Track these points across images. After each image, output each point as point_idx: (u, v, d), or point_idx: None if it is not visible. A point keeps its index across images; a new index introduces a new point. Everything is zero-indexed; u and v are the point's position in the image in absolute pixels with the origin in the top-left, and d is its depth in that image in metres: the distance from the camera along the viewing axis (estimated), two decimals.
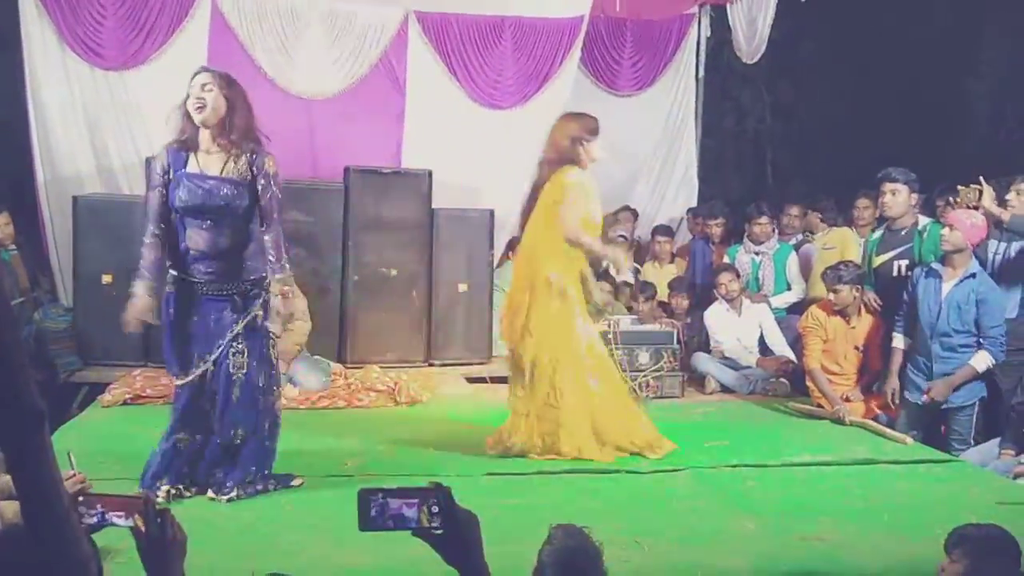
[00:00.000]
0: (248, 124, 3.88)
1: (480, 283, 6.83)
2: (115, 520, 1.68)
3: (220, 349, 3.87)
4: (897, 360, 5.44)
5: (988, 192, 5.26)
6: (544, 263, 4.60)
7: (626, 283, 7.21)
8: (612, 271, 4.90)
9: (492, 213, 6.86)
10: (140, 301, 3.87)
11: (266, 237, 3.93)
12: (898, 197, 5.66)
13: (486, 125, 7.32)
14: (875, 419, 5.52)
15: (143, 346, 6.15)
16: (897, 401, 5.40)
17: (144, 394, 5.50)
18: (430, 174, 6.73)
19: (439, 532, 1.62)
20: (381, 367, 6.24)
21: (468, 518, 1.66)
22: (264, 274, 3.97)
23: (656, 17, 8.18)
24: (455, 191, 6.89)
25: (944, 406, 5.15)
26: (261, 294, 3.96)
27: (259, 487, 3.98)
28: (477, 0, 7.34)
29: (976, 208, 5.29)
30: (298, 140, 6.83)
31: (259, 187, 3.88)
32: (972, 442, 5.04)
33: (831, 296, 5.72)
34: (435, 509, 1.62)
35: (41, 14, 6.44)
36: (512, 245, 6.53)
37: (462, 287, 6.80)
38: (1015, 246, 5.29)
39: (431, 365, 6.70)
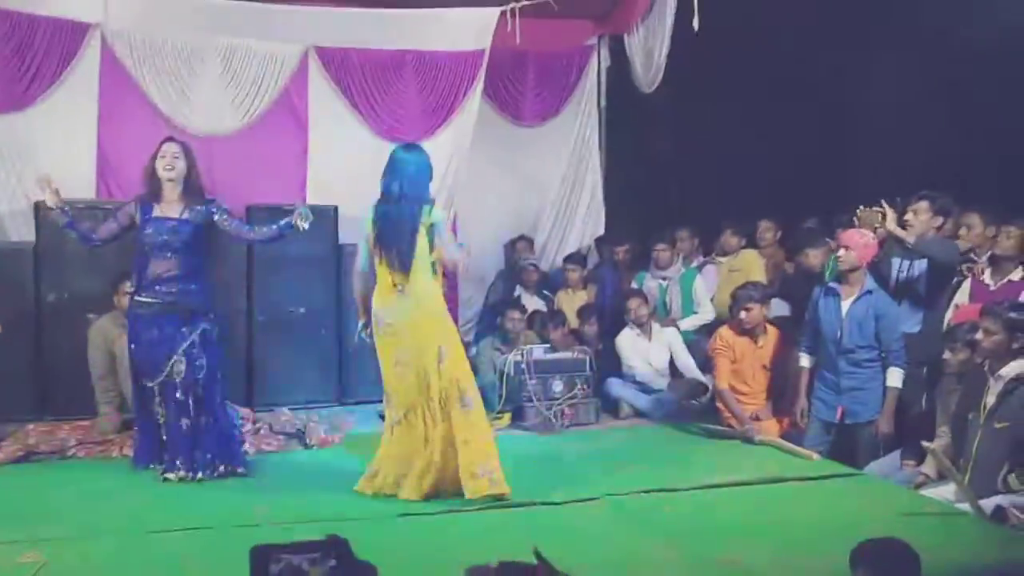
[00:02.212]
0: (199, 180, 4.97)
1: None
2: None
3: (178, 356, 4.79)
4: (804, 379, 5.59)
5: (891, 214, 5.49)
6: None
7: (537, 311, 7.24)
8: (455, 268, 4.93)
9: None
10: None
11: (242, 226, 5.12)
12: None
13: None
14: (784, 436, 5.64)
15: (37, 399, 5.91)
16: (806, 419, 5.53)
17: (38, 450, 5.25)
18: (336, 210, 6.65)
19: None
20: (291, 409, 6.09)
21: (367, 570, 1.62)
22: (204, 297, 4.91)
23: (556, 49, 8.27)
24: (362, 226, 6.79)
25: (849, 421, 5.29)
26: (206, 314, 4.89)
27: (220, 469, 4.86)
28: (377, 34, 7.30)
29: (876, 229, 5.49)
30: None
31: (224, 217, 4.93)
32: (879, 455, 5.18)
33: (742, 315, 5.83)
34: (332, 563, 1.57)
35: None
36: None
37: None
38: (917, 265, 5.47)
39: (343, 404, 6.58)
